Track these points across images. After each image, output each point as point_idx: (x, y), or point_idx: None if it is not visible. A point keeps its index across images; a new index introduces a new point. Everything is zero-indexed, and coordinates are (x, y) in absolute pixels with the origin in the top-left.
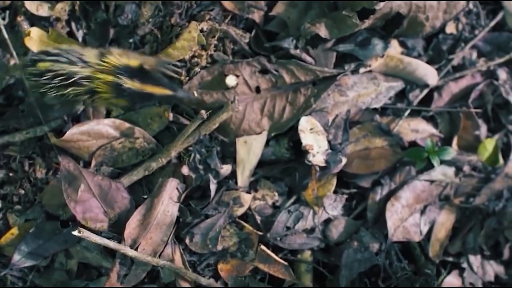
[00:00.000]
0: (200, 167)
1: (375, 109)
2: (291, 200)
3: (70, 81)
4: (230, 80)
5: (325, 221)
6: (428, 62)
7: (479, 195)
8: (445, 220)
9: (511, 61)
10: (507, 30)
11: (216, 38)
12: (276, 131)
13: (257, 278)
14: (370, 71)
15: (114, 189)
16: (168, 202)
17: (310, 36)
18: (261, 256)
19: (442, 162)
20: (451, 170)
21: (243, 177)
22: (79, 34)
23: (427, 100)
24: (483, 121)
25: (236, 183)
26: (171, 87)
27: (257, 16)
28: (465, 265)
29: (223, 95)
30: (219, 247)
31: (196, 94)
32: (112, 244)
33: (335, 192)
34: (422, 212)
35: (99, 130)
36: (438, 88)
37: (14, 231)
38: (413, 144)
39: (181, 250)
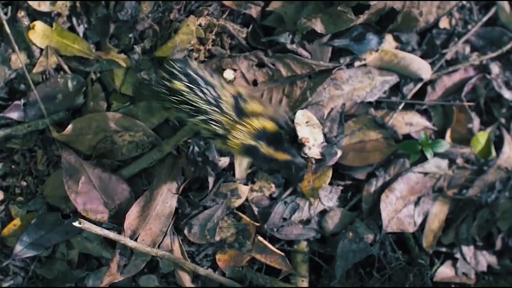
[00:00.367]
0: (199, 159)
1: (370, 103)
2: (288, 192)
3: (197, 115)
4: (228, 74)
5: (321, 212)
6: (422, 57)
7: (472, 187)
8: (438, 211)
9: (504, 55)
10: (499, 25)
11: (214, 33)
12: None
13: (254, 268)
14: (365, 65)
15: (114, 181)
16: (167, 194)
17: (306, 31)
18: (258, 246)
19: (435, 154)
20: (444, 163)
21: (240, 169)
22: (80, 29)
23: (421, 94)
24: (476, 114)
25: (233, 175)
26: (292, 153)
27: (254, 11)
28: (458, 255)
29: None
30: (217, 238)
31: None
32: (112, 235)
33: (330, 184)
34: (416, 203)
35: (99, 123)
36: (431, 82)
37: (16, 222)
38: (407, 137)
39: (180, 241)
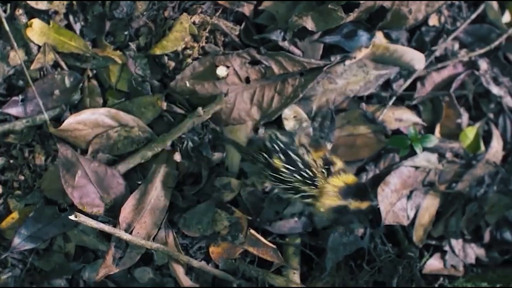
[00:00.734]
0: (193, 154)
1: (360, 98)
2: None
3: (294, 192)
4: (221, 71)
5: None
6: None
7: (461, 181)
8: (429, 205)
9: (492, 52)
10: (487, 22)
11: (207, 30)
12: (265, 120)
13: (247, 261)
14: (360, 59)
15: (110, 176)
16: (161, 188)
17: (298, 29)
18: (251, 239)
19: (425, 149)
20: (434, 157)
21: (232, 164)
22: (77, 27)
23: (410, 90)
24: (465, 110)
25: (226, 169)
26: (371, 198)
27: (247, 9)
28: (447, 248)
29: (214, 85)
30: (210, 231)
31: (188, 85)
32: (107, 228)
33: None
34: (409, 197)
35: (95, 119)
36: (421, 78)
37: (15, 215)
38: (397, 132)
39: (174, 234)
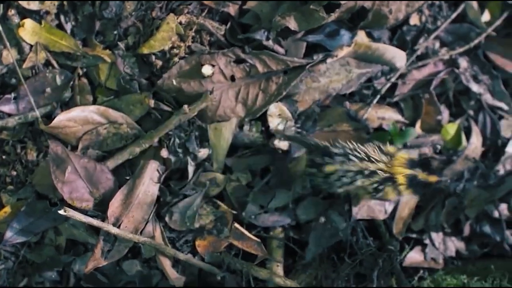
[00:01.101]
0: (179, 150)
1: (343, 95)
2: (264, 181)
3: (361, 175)
4: (206, 70)
5: (296, 200)
6: None
7: (441, 176)
8: (409, 199)
9: (471, 50)
10: (467, 21)
11: (193, 30)
12: (249, 117)
13: (232, 254)
14: (342, 58)
15: (99, 171)
16: (149, 183)
17: (282, 28)
18: (235, 233)
19: (406, 145)
20: (415, 153)
21: (217, 160)
22: (68, 27)
23: (392, 87)
24: (445, 107)
25: (212, 165)
26: (439, 174)
27: (232, 9)
28: (427, 241)
29: (200, 83)
30: (197, 225)
31: (175, 83)
32: (95, 222)
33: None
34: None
35: (84, 116)
36: (402, 76)
37: (7, 209)
38: (379, 129)
39: (161, 228)
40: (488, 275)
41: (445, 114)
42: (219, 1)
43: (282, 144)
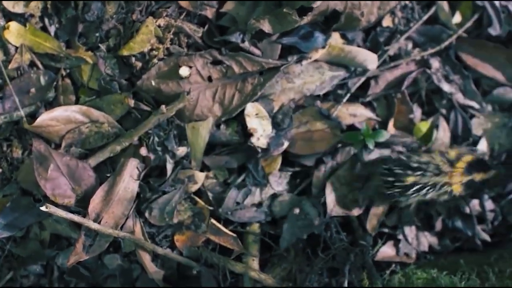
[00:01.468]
0: (158, 148)
1: (317, 96)
2: (241, 178)
3: (432, 189)
4: (183, 71)
5: (272, 196)
6: None
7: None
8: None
9: (443, 51)
10: (439, 23)
11: (172, 32)
12: (226, 116)
13: (209, 248)
14: (316, 61)
15: (81, 168)
16: (129, 180)
17: (256, 31)
18: (212, 228)
19: (379, 144)
20: (387, 151)
21: (195, 158)
22: (51, 29)
23: (365, 88)
24: (418, 106)
25: (190, 163)
26: (493, 167)
27: (209, 12)
28: (400, 236)
29: (177, 84)
30: (175, 220)
31: (154, 83)
32: (76, 218)
33: (280, 170)
34: (361, 188)
35: (67, 116)
36: (375, 77)
37: None
38: (352, 127)
39: (141, 223)
40: (458, 269)
41: (417, 112)
42: (197, 3)
43: (261, 143)
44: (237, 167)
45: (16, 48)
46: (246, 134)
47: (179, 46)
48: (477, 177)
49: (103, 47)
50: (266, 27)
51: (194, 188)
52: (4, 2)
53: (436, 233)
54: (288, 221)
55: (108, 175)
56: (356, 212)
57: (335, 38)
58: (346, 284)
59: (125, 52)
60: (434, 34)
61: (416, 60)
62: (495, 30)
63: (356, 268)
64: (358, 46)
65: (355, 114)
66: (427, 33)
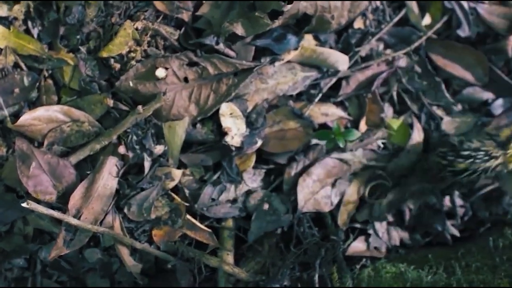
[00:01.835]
0: (137, 147)
1: (290, 96)
2: (216, 175)
3: (484, 173)
4: (160, 72)
5: (246, 193)
6: None
7: (384, 170)
8: (353, 191)
9: (413, 51)
10: (409, 24)
11: (149, 35)
12: (202, 116)
13: (186, 243)
14: (289, 62)
15: (62, 166)
16: (108, 177)
17: (230, 33)
18: (189, 224)
19: (351, 142)
20: (359, 151)
21: (172, 156)
22: (34, 32)
23: (337, 88)
24: (390, 105)
25: (167, 160)
26: None
27: (185, 15)
28: (371, 231)
29: (154, 85)
30: (153, 216)
31: (131, 84)
32: (56, 214)
33: (255, 167)
34: (333, 185)
35: (49, 115)
36: (346, 77)
37: None
38: (324, 126)
39: (120, 218)
40: (426, 264)
41: (389, 111)
42: (173, 6)
43: (235, 141)
44: (213, 164)
45: (1, 50)
46: (221, 133)
47: (156, 48)
48: None
49: (83, 49)
50: (239, 30)
51: (171, 185)
52: None
53: (407, 227)
54: (257, 216)
55: (88, 172)
56: (327, 208)
57: (308, 40)
58: (316, 278)
59: (104, 54)
60: (404, 35)
61: (387, 61)
62: (464, 31)
63: (327, 262)
64: (331, 47)
65: (327, 113)
66: (398, 34)
